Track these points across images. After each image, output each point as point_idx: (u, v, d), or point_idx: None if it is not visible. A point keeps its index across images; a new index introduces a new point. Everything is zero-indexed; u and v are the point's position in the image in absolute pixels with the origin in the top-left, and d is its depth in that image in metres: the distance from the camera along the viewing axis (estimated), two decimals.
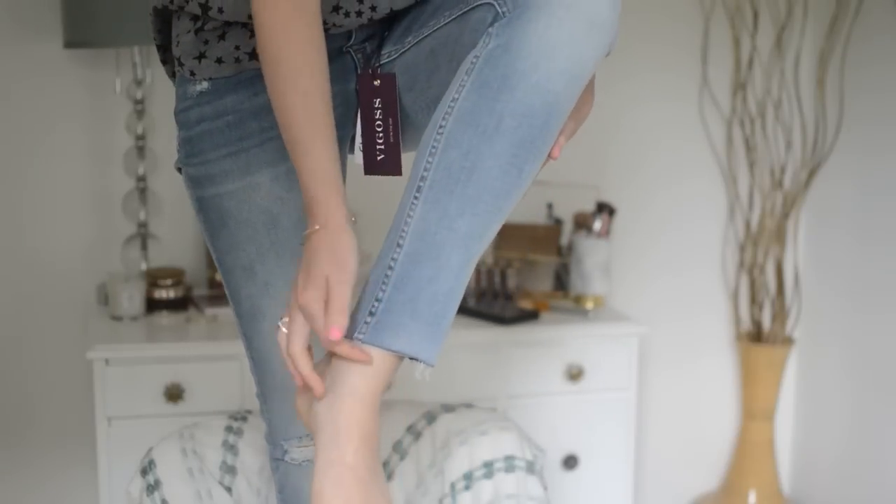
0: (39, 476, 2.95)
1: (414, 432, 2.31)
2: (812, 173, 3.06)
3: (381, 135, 1.69)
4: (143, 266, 2.86)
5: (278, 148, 1.64)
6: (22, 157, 2.87)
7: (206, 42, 1.66)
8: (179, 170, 1.74)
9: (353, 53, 1.68)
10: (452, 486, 2.27)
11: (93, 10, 2.63)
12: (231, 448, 2.20)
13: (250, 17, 1.60)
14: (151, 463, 2.15)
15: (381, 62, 1.68)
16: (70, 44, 2.69)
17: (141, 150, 2.83)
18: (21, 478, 2.94)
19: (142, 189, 2.84)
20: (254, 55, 1.62)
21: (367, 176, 1.70)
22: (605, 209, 2.91)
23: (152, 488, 2.13)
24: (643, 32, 3.09)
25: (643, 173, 3.15)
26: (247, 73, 1.64)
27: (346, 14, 1.62)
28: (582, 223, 2.93)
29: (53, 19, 2.80)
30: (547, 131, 1.39)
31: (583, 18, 1.48)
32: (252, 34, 1.62)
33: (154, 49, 2.86)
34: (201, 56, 1.66)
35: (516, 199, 1.41)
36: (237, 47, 1.64)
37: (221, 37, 1.65)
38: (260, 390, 1.79)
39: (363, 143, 1.70)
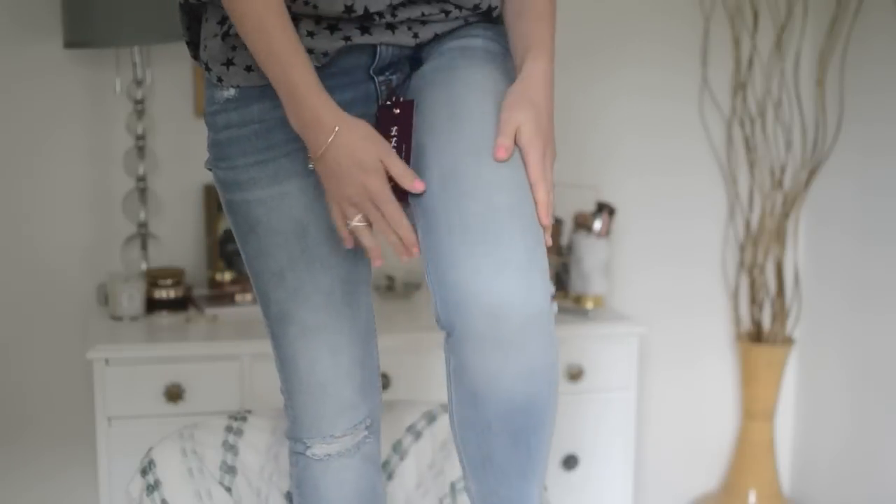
0: (39, 476, 2.95)
1: (414, 432, 2.31)
2: (812, 173, 3.06)
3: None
4: (143, 266, 2.86)
5: (306, 158, 1.66)
6: (22, 157, 2.87)
7: (234, 48, 1.66)
8: (211, 169, 1.76)
9: (377, 82, 1.70)
10: (452, 486, 2.27)
11: (93, 10, 2.63)
12: (231, 448, 2.20)
13: None
14: (151, 463, 2.15)
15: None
16: (70, 44, 2.69)
17: (141, 150, 2.83)
18: (21, 478, 2.94)
19: (142, 189, 2.84)
20: None
21: None
22: (605, 209, 2.91)
23: (152, 488, 2.13)
24: (643, 32, 3.09)
25: (643, 173, 3.15)
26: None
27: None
28: (582, 223, 2.93)
29: (53, 19, 2.80)
30: (536, 414, 1.59)
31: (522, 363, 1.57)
32: None
33: (154, 49, 2.88)
34: (229, 63, 1.66)
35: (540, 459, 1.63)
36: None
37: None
38: (285, 387, 1.83)
39: None
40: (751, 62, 3.08)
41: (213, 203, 2.92)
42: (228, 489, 2.18)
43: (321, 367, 1.78)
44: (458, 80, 1.62)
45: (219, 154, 1.72)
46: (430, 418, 2.33)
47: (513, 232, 1.49)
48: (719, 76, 3.14)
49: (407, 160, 1.64)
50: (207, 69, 1.69)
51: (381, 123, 1.68)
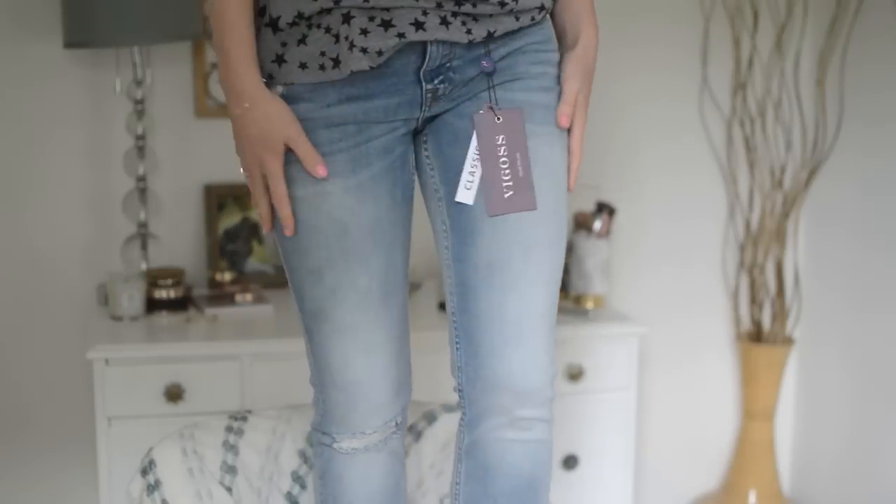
0: (39, 476, 2.95)
1: (414, 432, 2.31)
2: (812, 173, 3.06)
3: (507, 171, 1.70)
4: (143, 266, 2.86)
5: (348, 160, 1.68)
6: (22, 157, 2.87)
7: (285, 44, 1.66)
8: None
9: (423, 89, 1.69)
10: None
11: (93, 10, 2.63)
12: (231, 448, 2.20)
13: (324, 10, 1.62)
14: (152, 463, 2.15)
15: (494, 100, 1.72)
16: (70, 44, 2.69)
17: (141, 150, 2.82)
18: (21, 478, 2.94)
19: (142, 189, 2.84)
20: (337, 62, 1.63)
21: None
22: (605, 209, 2.91)
23: (152, 488, 2.13)
24: (643, 32, 3.09)
25: (643, 173, 3.15)
26: (322, 83, 1.65)
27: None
28: (582, 223, 2.93)
29: (53, 19, 2.80)
30: (536, 489, 1.81)
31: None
32: (336, 39, 1.62)
33: (154, 49, 2.87)
34: (280, 59, 1.66)
35: None
36: (322, 53, 1.63)
37: (302, 40, 1.64)
38: (317, 381, 1.82)
39: (484, 183, 1.69)
40: (751, 62, 3.08)
41: (213, 203, 2.92)
42: (229, 489, 2.18)
43: (355, 366, 1.77)
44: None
45: None
46: (431, 419, 2.33)
47: (543, 332, 1.74)
48: (719, 76, 3.14)
49: (525, 170, 1.69)
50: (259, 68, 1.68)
51: (482, 131, 1.66)
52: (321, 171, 1.65)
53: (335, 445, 1.84)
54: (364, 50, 1.61)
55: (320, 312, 1.75)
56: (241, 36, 1.63)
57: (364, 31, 1.61)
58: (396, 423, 1.85)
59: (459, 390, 1.79)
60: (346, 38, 1.62)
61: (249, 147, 1.67)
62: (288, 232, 1.69)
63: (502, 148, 1.69)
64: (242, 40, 1.63)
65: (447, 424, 2.32)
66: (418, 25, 1.62)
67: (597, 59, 1.77)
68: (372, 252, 1.73)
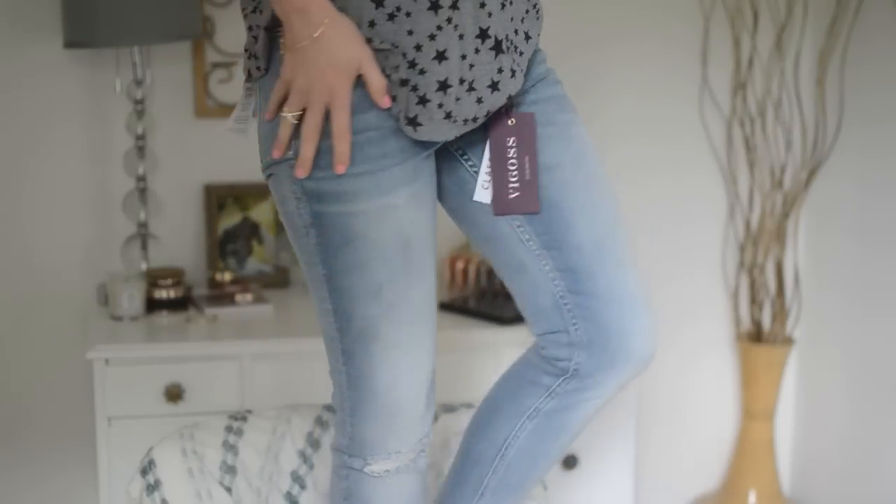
0: (39, 476, 2.95)
1: None
2: (812, 173, 3.06)
3: (514, 173, 1.71)
4: (143, 266, 2.86)
5: (410, 168, 1.64)
6: (22, 157, 2.87)
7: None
8: (269, 175, 1.68)
9: None
10: None
11: (93, 10, 2.63)
12: (231, 448, 2.20)
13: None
14: (151, 463, 2.15)
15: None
16: (70, 44, 2.69)
17: (141, 150, 2.83)
18: (21, 478, 2.94)
19: (142, 189, 2.84)
20: (413, 64, 1.59)
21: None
22: None
23: (152, 488, 2.13)
24: (643, 32, 3.09)
25: (643, 173, 3.15)
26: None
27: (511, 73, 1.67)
28: None
29: (53, 19, 2.80)
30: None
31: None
32: (405, 55, 1.59)
33: (154, 49, 2.88)
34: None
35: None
36: (396, 68, 1.60)
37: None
38: (350, 405, 1.75)
39: (493, 182, 1.70)
40: (751, 62, 3.08)
41: (213, 203, 2.92)
42: (228, 489, 2.18)
43: (401, 385, 1.72)
44: (576, 140, 1.80)
45: (317, 163, 1.61)
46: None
47: (650, 298, 1.90)
48: (719, 76, 3.14)
49: (533, 174, 1.69)
50: None
51: (494, 132, 1.67)
52: (387, 101, 1.59)
53: (367, 469, 1.78)
54: (449, 115, 1.62)
55: (371, 332, 1.68)
56: None
57: (457, 98, 1.62)
58: (426, 441, 1.81)
59: (574, 363, 1.82)
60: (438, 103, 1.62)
61: (320, 74, 1.56)
62: (342, 168, 1.59)
63: (512, 150, 1.69)
64: None
65: (447, 424, 2.32)
66: (494, 87, 1.64)
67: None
68: (429, 263, 1.70)
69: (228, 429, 2.23)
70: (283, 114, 1.61)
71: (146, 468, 2.16)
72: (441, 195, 1.79)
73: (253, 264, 2.97)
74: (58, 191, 2.90)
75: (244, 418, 2.26)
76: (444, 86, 1.60)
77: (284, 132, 1.62)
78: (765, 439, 3.15)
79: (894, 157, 2.87)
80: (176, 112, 2.93)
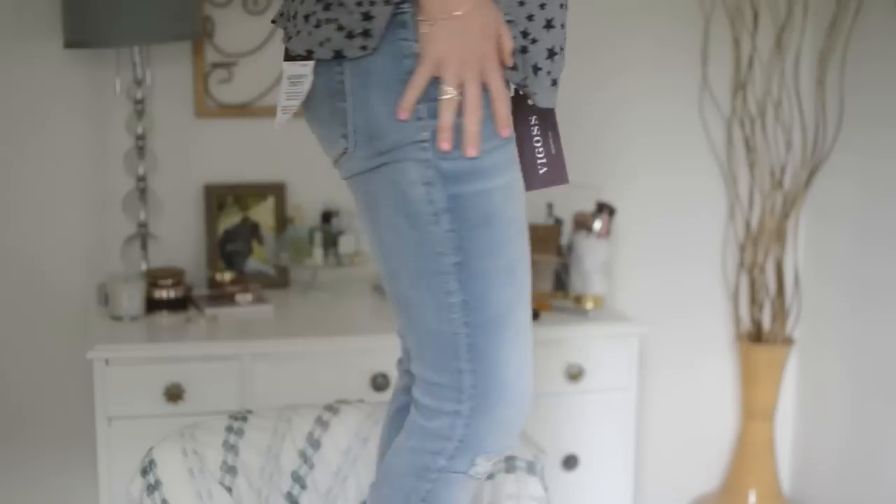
0: (39, 476, 2.95)
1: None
2: (812, 173, 3.06)
3: (540, 149, 1.70)
4: (143, 266, 2.86)
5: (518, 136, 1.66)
6: (22, 157, 2.87)
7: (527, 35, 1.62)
8: (377, 166, 1.59)
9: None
10: None
11: (93, 10, 2.63)
12: (232, 448, 2.20)
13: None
14: (152, 463, 2.15)
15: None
16: (70, 44, 2.69)
17: (141, 150, 2.82)
18: (21, 478, 2.94)
19: (142, 189, 2.84)
20: (526, 34, 1.60)
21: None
22: (605, 209, 2.91)
23: (153, 488, 2.13)
24: (643, 32, 3.09)
25: (643, 173, 3.15)
26: None
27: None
28: (582, 223, 2.93)
29: (53, 19, 2.80)
30: None
31: None
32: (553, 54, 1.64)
33: (154, 49, 2.87)
34: (524, 50, 1.62)
35: None
36: (550, 73, 1.64)
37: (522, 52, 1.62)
38: (472, 405, 1.66)
39: (522, 162, 1.69)
40: (751, 62, 3.08)
41: (213, 203, 2.92)
42: (229, 489, 2.18)
43: (525, 373, 1.67)
44: None
45: (458, 141, 1.56)
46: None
47: None
48: (719, 76, 3.14)
49: (557, 148, 1.71)
50: None
51: (517, 113, 1.67)
52: (511, 61, 1.59)
53: (472, 471, 1.71)
54: (555, 82, 1.66)
55: (505, 317, 1.63)
56: None
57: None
58: None
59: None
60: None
61: (475, 41, 1.53)
62: (507, 132, 1.57)
63: (535, 127, 1.69)
64: None
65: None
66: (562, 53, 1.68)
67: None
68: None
69: (229, 429, 2.23)
70: (446, 95, 1.53)
71: (146, 468, 2.16)
72: None
73: (253, 264, 2.97)
74: (58, 191, 2.90)
75: (244, 418, 2.26)
76: (551, 53, 1.63)
77: (448, 115, 1.54)
78: (765, 439, 3.15)
79: (894, 157, 2.87)
80: (176, 112, 2.93)
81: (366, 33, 1.55)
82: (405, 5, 1.55)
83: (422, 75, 1.54)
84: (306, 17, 1.61)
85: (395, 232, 1.62)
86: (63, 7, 2.68)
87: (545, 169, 1.70)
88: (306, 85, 1.62)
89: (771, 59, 3.09)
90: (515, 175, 1.63)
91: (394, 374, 2.63)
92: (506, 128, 1.57)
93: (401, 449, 1.74)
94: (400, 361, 1.96)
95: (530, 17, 1.61)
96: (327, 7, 1.58)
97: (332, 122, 1.62)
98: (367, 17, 1.55)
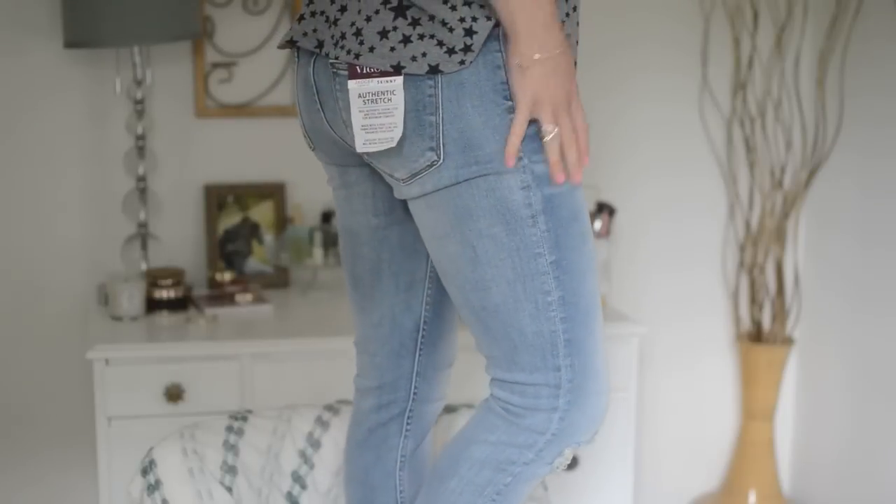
0: (39, 476, 2.95)
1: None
2: (812, 173, 3.06)
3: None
4: (143, 266, 2.86)
5: None
6: (22, 157, 2.87)
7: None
8: (475, 177, 1.61)
9: None
10: None
11: (93, 10, 2.63)
12: (232, 448, 2.20)
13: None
14: (152, 463, 2.15)
15: None
16: (70, 44, 2.69)
17: (141, 150, 2.83)
18: (21, 477, 2.94)
19: (142, 189, 2.84)
20: None
21: None
22: (605, 209, 2.91)
23: (153, 488, 2.13)
24: (643, 32, 3.09)
25: (643, 173, 3.15)
26: None
27: None
28: None
29: (53, 19, 2.80)
30: None
31: None
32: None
33: (154, 49, 2.87)
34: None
35: None
36: None
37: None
38: (569, 398, 1.70)
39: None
40: (751, 62, 3.08)
41: (213, 203, 2.92)
42: (229, 489, 2.18)
43: (607, 358, 1.74)
44: None
45: (543, 146, 1.62)
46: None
47: None
48: (719, 76, 3.14)
49: None
50: None
51: None
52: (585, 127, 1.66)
53: (557, 461, 1.73)
54: None
55: (594, 308, 1.70)
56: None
57: None
58: None
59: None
60: None
61: (563, 80, 1.60)
62: (586, 161, 1.64)
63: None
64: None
65: (448, 425, 2.33)
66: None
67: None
68: None
69: (229, 429, 2.23)
70: (548, 137, 1.61)
71: (147, 468, 2.16)
72: None
73: (253, 264, 2.97)
74: (58, 191, 2.90)
75: (245, 418, 2.26)
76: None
77: (555, 152, 1.62)
78: (765, 439, 3.15)
79: (894, 157, 2.87)
80: (176, 112, 2.93)
81: (467, 48, 1.58)
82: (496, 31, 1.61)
83: (522, 118, 1.60)
84: (383, 33, 1.60)
85: (492, 241, 1.65)
86: (63, 7, 2.68)
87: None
88: (397, 100, 1.61)
89: (771, 59, 3.09)
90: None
91: None
92: (586, 158, 1.64)
93: (480, 442, 1.74)
94: (360, 378, 1.97)
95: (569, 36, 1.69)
96: (415, 23, 1.59)
97: (415, 136, 1.62)
98: (470, 32, 1.58)
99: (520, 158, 1.60)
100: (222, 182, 2.95)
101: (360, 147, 1.63)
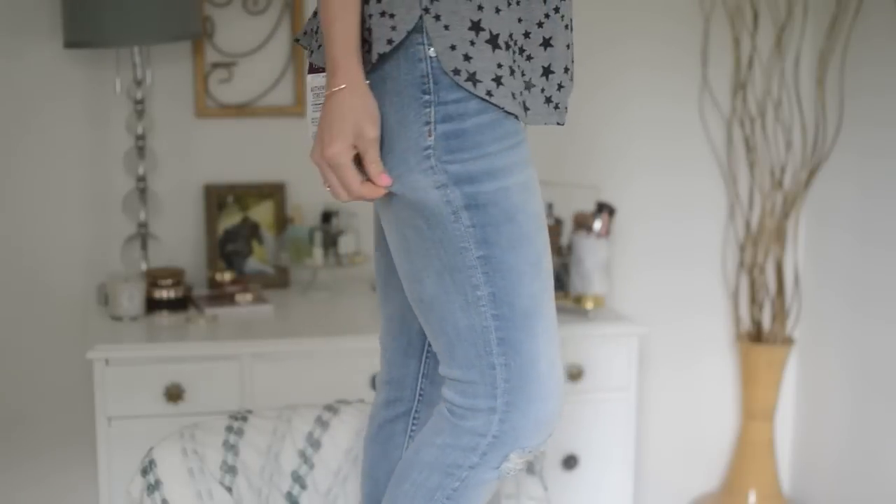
0: (39, 476, 2.95)
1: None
2: (812, 173, 3.06)
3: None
4: (143, 266, 2.86)
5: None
6: (22, 157, 2.87)
7: (500, 65, 1.62)
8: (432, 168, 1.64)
9: None
10: None
11: (93, 10, 2.63)
12: (232, 448, 2.20)
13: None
14: (152, 463, 2.15)
15: None
16: (70, 44, 2.69)
17: (141, 150, 2.83)
18: (21, 477, 2.94)
19: (142, 189, 2.84)
20: (522, 51, 1.66)
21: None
22: (605, 209, 2.91)
23: (153, 488, 2.13)
24: (643, 32, 3.09)
25: (643, 173, 3.15)
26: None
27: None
28: (582, 223, 2.93)
29: (53, 19, 2.80)
30: None
31: None
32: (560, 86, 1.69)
33: (154, 49, 2.87)
34: (498, 81, 1.62)
35: None
36: (520, 93, 1.65)
37: (512, 71, 1.63)
38: (507, 399, 1.68)
39: None
40: (751, 62, 3.08)
41: (213, 203, 2.92)
42: (229, 489, 2.18)
43: (557, 363, 1.70)
44: None
45: (462, 145, 1.61)
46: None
47: None
48: (719, 76, 3.14)
49: None
50: (472, 77, 1.60)
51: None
52: (385, 180, 1.61)
53: (504, 466, 1.72)
54: (549, 100, 1.70)
55: (536, 310, 1.66)
56: (348, 25, 1.58)
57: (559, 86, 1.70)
58: None
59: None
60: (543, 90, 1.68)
61: (334, 131, 1.60)
62: (377, 195, 1.63)
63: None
64: (349, 30, 1.58)
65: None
66: (572, 76, 1.74)
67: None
68: None
69: (229, 429, 2.23)
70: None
71: (147, 468, 2.16)
72: None
73: (253, 264, 2.97)
74: (58, 191, 2.90)
75: (245, 418, 2.26)
76: (547, 71, 1.67)
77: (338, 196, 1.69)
78: (765, 439, 3.16)
79: (894, 157, 2.87)
80: (176, 112, 2.93)
81: (389, 42, 1.60)
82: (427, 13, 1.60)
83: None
84: None
85: (416, 232, 1.66)
86: (63, 7, 2.68)
87: None
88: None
89: (771, 59, 3.09)
90: (532, 172, 1.68)
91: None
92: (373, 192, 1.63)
93: (428, 445, 1.75)
94: (379, 372, 1.98)
95: (527, 35, 1.65)
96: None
97: None
98: (393, 27, 1.60)
99: (427, 157, 1.60)
100: (222, 182, 2.95)
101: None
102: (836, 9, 2.96)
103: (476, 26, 1.60)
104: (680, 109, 3.15)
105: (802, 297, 3.18)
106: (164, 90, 2.91)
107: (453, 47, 1.59)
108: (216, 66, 2.94)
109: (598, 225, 2.90)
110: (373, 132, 1.59)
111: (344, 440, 2.25)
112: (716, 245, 3.24)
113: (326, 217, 2.93)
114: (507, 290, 1.65)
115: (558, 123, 1.71)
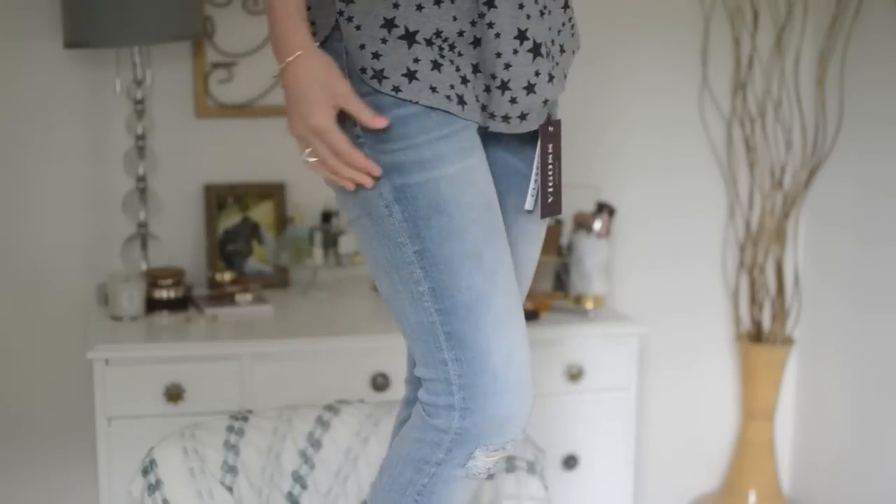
0: (39, 476, 2.95)
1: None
2: (812, 173, 3.06)
3: (551, 179, 1.75)
4: (143, 266, 2.86)
5: (474, 134, 1.68)
6: (22, 157, 2.87)
7: (417, 60, 1.63)
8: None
9: None
10: None
11: (93, 10, 2.63)
12: (232, 448, 2.20)
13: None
14: (153, 463, 2.15)
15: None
16: (70, 44, 2.69)
17: (141, 150, 2.83)
18: (21, 477, 2.94)
19: (142, 189, 2.84)
20: (453, 47, 1.64)
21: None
22: (605, 209, 2.91)
23: (153, 488, 2.13)
24: (643, 32, 3.09)
25: (643, 173, 3.15)
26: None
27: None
28: (582, 223, 2.93)
29: (53, 19, 2.80)
30: None
31: None
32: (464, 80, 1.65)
33: (154, 49, 2.87)
34: (412, 76, 1.63)
35: None
36: (452, 87, 1.64)
37: (436, 66, 1.63)
38: (463, 395, 1.66)
39: (540, 187, 1.75)
40: (751, 62, 3.08)
41: (213, 203, 2.92)
42: (230, 489, 2.18)
43: (519, 359, 1.66)
44: None
45: (389, 136, 1.62)
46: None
47: None
48: (719, 76, 3.14)
49: (559, 177, 1.74)
50: (378, 74, 1.62)
51: (541, 141, 1.73)
52: (379, 122, 1.61)
53: (470, 465, 1.69)
54: (506, 118, 1.67)
55: (481, 303, 1.63)
56: (303, 14, 1.63)
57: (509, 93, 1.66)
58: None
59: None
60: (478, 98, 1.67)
61: (298, 105, 1.63)
62: (370, 180, 1.63)
63: (550, 156, 1.73)
64: (306, 21, 1.63)
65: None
66: (530, 88, 1.67)
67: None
68: (503, 224, 1.70)
69: (230, 429, 2.23)
70: (304, 159, 1.68)
71: (147, 468, 2.16)
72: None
73: (253, 264, 2.97)
74: (58, 191, 2.90)
75: (245, 418, 2.26)
76: (475, 69, 1.66)
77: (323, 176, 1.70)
78: (765, 439, 3.16)
79: (894, 157, 2.87)
80: (176, 112, 2.93)
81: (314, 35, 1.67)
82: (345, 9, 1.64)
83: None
84: None
85: (363, 230, 1.69)
86: (63, 7, 2.68)
87: (552, 199, 1.75)
88: None
89: (771, 59, 3.09)
90: (471, 162, 1.66)
91: (394, 374, 2.63)
92: (368, 179, 1.64)
93: (406, 439, 1.75)
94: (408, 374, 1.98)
95: (461, 34, 1.64)
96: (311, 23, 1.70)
97: None
98: (315, 34, 1.67)
99: (361, 146, 1.62)
100: (222, 182, 2.95)
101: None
102: (836, 9, 2.96)
103: (389, 23, 1.62)
104: (680, 109, 3.15)
105: (802, 297, 3.18)
106: (164, 90, 2.91)
107: (363, 46, 1.62)
108: (216, 66, 2.94)
109: (598, 225, 2.90)
110: (344, 86, 1.61)
111: (344, 440, 2.25)
112: (716, 245, 3.24)
113: (326, 217, 2.93)
114: (445, 283, 1.64)
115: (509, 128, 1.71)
